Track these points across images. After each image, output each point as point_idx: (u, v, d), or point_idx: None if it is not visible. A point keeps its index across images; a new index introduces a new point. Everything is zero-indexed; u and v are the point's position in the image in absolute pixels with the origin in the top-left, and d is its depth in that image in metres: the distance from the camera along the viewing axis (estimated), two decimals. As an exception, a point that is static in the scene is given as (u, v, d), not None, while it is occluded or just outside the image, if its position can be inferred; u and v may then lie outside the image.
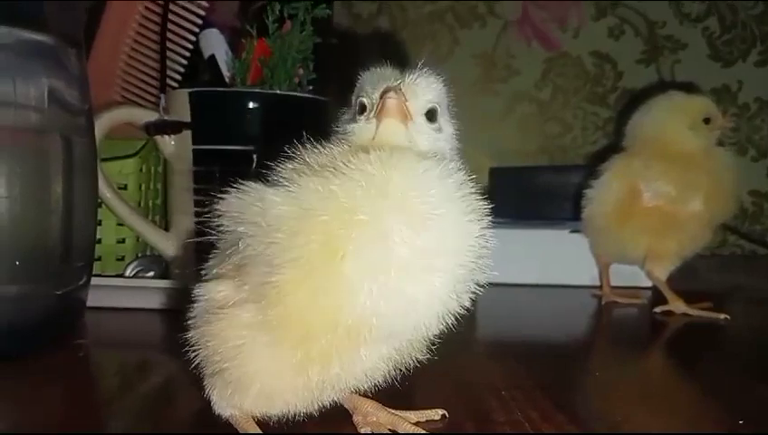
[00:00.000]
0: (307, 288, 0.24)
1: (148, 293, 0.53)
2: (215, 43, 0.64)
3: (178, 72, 0.66)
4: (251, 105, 0.54)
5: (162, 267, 0.60)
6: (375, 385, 0.29)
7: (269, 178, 0.28)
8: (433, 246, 0.24)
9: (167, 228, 0.59)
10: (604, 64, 0.96)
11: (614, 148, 0.62)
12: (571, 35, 0.96)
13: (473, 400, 0.34)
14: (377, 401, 0.31)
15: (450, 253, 0.25)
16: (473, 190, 0.26)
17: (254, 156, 0.54)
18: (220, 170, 0.54)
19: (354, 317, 0.24)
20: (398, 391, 0.30)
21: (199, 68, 0.67)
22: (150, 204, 0.65)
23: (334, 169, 0.25)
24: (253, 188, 0.27)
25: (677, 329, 0.54)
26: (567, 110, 0.97)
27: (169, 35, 0.63)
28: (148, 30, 0.65)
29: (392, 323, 0.25)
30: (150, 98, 0.65)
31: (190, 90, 0.55)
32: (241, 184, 0.28)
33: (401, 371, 0.29)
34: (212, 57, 0.64)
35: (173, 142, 0.56)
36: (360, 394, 0.31)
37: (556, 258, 0.68)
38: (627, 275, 0.64)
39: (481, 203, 0.26)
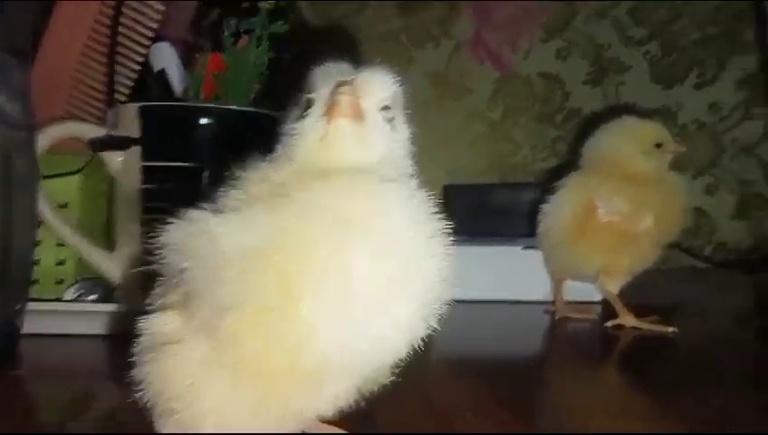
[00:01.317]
0: (262, 332, 0.23)
1: (90, 318, 0.50)
2: (166, 57, 0.62)
3: (127, 86, 0.63)
4: (204, 120, 0.52)
5: (105, 291, 0.57)
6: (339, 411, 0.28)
7: (215, 204, 0.26)
8: (400, 275, 0.23)
9: (111, 249, 0.56)
10: (552, 85, 0.99)
11: (564, 167, 0.63)
12: (521, 57, 0.98)
13: (440, 420, 0.34)
14: (340, 425, 0.30)
15: (418, 279, 0.24)
16: (434, 209, 0.25)
17: (205, 174, 0.53)
18: (171, 188, 0.52)
19: (314, 360, 0.23)
20: (361, 415, 0.29)
21: (147, 82, 0.65)
22: (93, 223, 0.62)
23: (286, 197, 0.24)
24: (197, 218, 0.25)
25: (629, 342, 0.55)
26: (517, 129, 0.99)
27: (119, 47, 0.60)
28: (97, 42, 0.62)
29: (357, 361, 0.24)
30: (96, 112, 0.62)
31: (141, 104, 0.52)
32: (184, 212, 0.26)
33: (365, 396, 0.28)
34: (162, 71, 0.62)
35: (120, 159, 0.53)
36: (323, 420, 0.29)
37: (509, 275, 0.69)
38: (575, 290, 0.65)
39: (442, 222, 0.25)
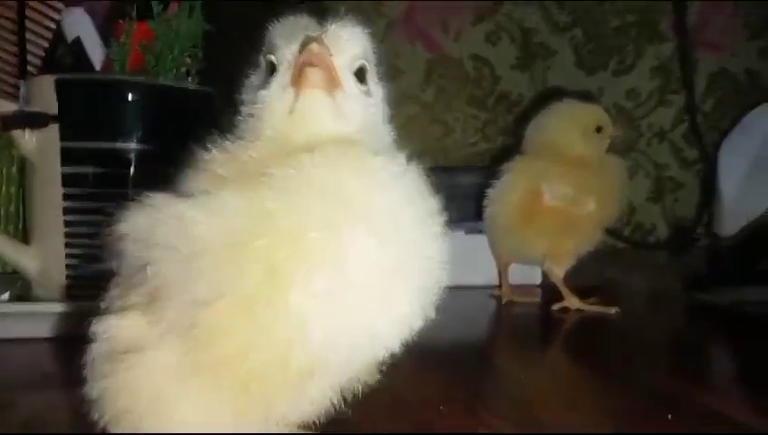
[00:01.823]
0: (247, 327, 0.20)
1: (4, 320, 0.45)
2: (80, 25, 0.56)
3: (39, 57, 0.56)
4: (132, 96, 0.47)
5: (20, 288, 0.51)
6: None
7: (175, 187, 0.23)
8: (399, 260, 0.21)
9: (26, 241, 0.50)
10: (483, 68, 0.99)
11: (502, 150, 0.63)
12: (453, 38, 0.98)
13: (411, 411, 0.33)
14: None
15: (418, 264, 0.22)
16: (426, 185, 0.23)
17: (132, 156, 0.48)
18: (94, 172, 0.47)
19: (306, 357, 0.21)
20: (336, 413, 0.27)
21: (57, 52, 0.59)
22: (3, 212, 0.55)
23: (265, 175, 0.21)
24: (162, 204, 0.22)
25: (573, 324, 0.56)
26: (449, 112, 0.99)
27: (29, 12, 0.53)
28: (4, 6, 0.54)
29: (351, 356, 0.22)
30: (7, 86, 0.55)
31: (57, 76, 0.47)
32: (143, 197, 0.22)
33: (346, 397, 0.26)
34: (77, 40, 0.56)
35: (35, 139, 0.47)
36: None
37: (453, 260, 0.68)
38: (515, 273, 0.65)
39: (435, 200, 0.23)
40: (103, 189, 0.47)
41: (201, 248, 0.20)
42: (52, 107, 0.46)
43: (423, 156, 0.86)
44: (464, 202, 0.68)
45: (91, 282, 0.25)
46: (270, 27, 0.25)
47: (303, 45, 0.22)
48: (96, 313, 0.25)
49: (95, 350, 0.23)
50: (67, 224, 0.47)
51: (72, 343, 0.24)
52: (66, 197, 0.47)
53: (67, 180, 0.47)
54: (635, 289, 0.74)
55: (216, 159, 0.24)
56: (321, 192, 0.21)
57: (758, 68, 1.06)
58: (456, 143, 0.99)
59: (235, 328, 0.20)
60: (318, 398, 0.24)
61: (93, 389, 0.23)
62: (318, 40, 0.22)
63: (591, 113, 0.60)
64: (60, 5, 0.55)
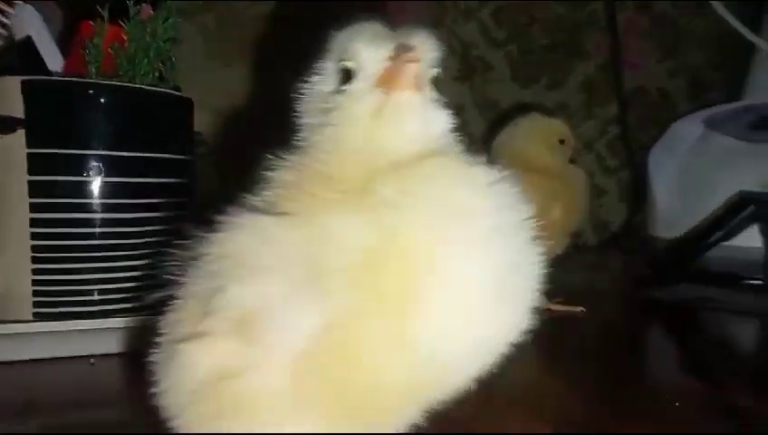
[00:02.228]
0: (373, 348, 0.20)
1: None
2: (30, 22, 0.52)
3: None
4: (106, 100, 0.45)
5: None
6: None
7: (253, 204, 0.22)
8: (511, 266, 0.22)
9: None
10: (425, 80, 1.02)
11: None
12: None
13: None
14: None
15: (524, 268, 0.22)
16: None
17: (100, 164, 0.45)
18: (64, 181, 0.44)
19: (427, 376, 0.21)
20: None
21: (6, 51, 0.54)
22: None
23: (376, 194, 0.20)
24: (261, 224, 0.21)
25: (544, 323, 0.58)
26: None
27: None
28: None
29: (466, 370, 0.22)
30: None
31: (25, 78, 0.43)
32: (232, 214, 0.22)
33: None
34: (28, 39, 0.51)
35: (-1, 144, 0.43)
36: None
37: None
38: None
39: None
40: (75, 200, 0.44)
41: (317, 271, 0.20)
42: (16, 110, 0.43)
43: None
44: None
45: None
46: (337, 33, 0.25)
47: (398, 50, 0.22)
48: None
49: (174, 377, 0.22)
50: (34, 237, 0.43)
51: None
52: (34, 207, 0.43)
53: (35, 190, 0.43)
54: (595, 288, 0.78)
55: (292, 173, 0.23)
56: (441, 207, 0.20)
57: (667, 86, 1.16)
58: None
59: (361, 350, 0.20)
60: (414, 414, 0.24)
61: (182, 416, 0.22)
62: (410, 48, 0.22)
63: (556, 127, 0.63)
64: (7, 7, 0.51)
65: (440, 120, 0.24)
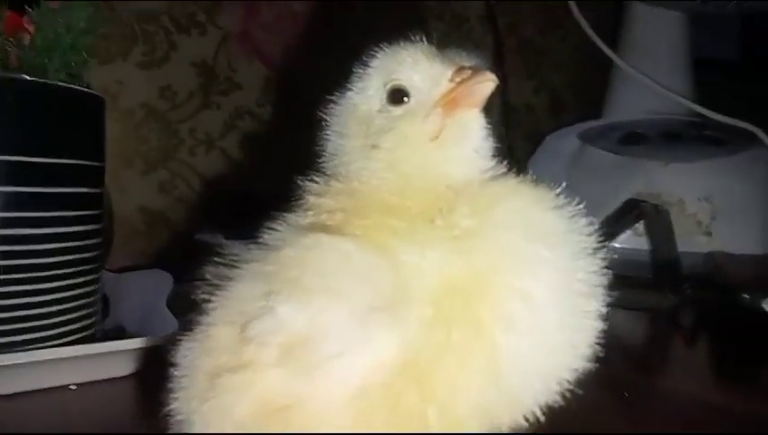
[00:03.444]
0: (456, 382, 0.20)
1: None
2: None
3: None
4: (13, 98, 0.39)
5: None
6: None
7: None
8: (583, 279, 0.22)
9: None
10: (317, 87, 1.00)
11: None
12: (289, 56, 0.97)
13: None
14: None
15: (591, 278, 0.22)
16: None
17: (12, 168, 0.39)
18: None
19: (507, 395, 0.21)
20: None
21: None
22: None
23: (455, 226, 0.20)
24: (337, 246, 0.20)
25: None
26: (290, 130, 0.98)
27: None
28: None
29: (542, 389, 0.21)
30: None
31: None
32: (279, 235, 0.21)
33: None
34: None
35: None
36: None
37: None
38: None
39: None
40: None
41: (397, 300, 0.19)
42: None
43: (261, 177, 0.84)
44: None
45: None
46: (380, 54, 0.24)
47: (462, 70, 0.22)
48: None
49: (211, 414, 0.20)
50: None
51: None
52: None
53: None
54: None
55: (342, 198, 0.22)
56: (524, 234, 0.20)
57: (533, 103, 1.27)
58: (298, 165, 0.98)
59: (438, 383, 0.19)
60: None
61: None
62: (473, 69, 0.22)
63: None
64: None
65: (487, 141, 0.24)
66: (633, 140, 0.81)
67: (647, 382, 0.43)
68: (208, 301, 0.21)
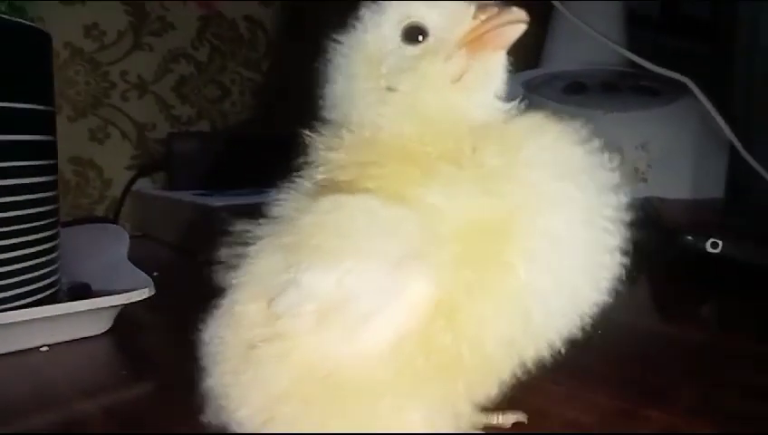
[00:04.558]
0: (486, 320, 0.19)
1: None
2: None
3: None
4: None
5: None
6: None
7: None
8: (618, 227, 0.22)
9: None
10: (256, 29, 0.96)
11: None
12: (226, -5, 0.92)
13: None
14: None
15: (617, 236, 0.22)
16: None
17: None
18: None
19: (532, 332, 0.21)
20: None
21: None
22: None
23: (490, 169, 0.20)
24: (359, 204, 0.19)
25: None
26: (225, 74, 0.93)
27: None
28: None
29: (564, 324, 0.22)
30: None
31: None
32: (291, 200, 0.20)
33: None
34: None
35: None
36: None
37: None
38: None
39: None
40: None
41: (428, 245, 0.19)
42: None
43: (200, 120, 0.81)
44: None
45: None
46: None
47: (488, 8, 0.21)
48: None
49: (251, 391, 0.20)
50: None
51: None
52: None
53: None
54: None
55: (357, 150, 0.21)
56: (552, 171, 0.20)
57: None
58: (233, 106, 0.94)
59: (470, 322, 0.19)
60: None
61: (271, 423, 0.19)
62: (497, 3, 0.21)
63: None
64: None
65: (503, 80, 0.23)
66: (575, 89, 0.84)
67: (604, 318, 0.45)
68: (229, 282, 0.20)
